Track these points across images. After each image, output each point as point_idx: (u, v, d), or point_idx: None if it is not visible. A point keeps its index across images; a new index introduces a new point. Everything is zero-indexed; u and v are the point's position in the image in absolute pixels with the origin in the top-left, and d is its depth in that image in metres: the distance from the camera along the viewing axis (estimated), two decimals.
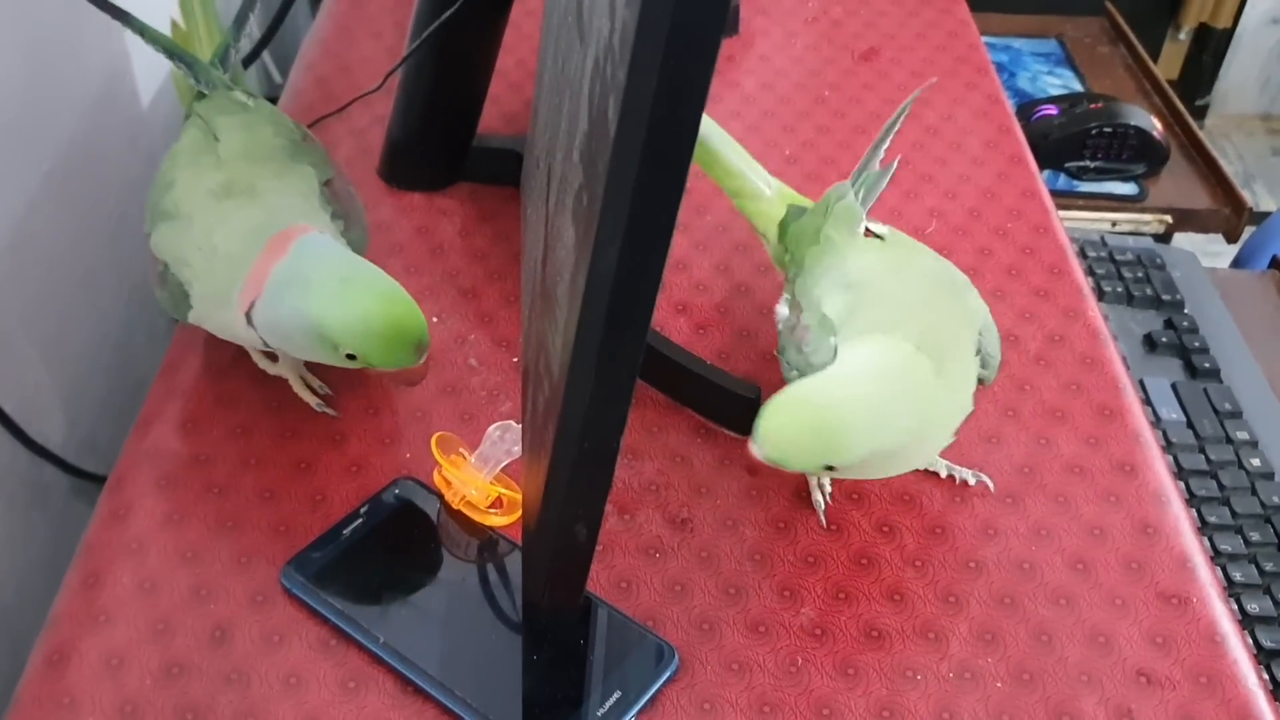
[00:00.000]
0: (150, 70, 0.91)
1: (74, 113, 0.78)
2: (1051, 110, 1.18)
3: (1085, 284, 0.73)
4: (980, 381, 0.56)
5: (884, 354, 0.52)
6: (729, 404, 0.62)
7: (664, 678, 0.51)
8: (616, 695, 0.50)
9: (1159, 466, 0.62)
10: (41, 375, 0.76)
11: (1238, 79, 2.14)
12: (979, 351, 0.55)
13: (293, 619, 0.53)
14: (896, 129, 0.62)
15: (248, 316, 0.55)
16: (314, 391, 0.62)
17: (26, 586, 0.69)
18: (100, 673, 0.51)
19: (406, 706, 0.50)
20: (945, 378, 0.52)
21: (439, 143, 0.77)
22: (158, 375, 0.65)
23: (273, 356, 0.63)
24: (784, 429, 0.49)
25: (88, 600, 0.53)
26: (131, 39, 0.88)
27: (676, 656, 0.52)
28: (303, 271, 0.53)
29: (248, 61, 0.91)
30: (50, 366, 0.77)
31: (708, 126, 0.65)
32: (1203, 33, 2.03)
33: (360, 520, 0.56)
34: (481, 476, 0.56)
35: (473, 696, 0.49)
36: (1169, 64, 2.07)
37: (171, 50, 0.65)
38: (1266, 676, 0.64)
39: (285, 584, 0.54)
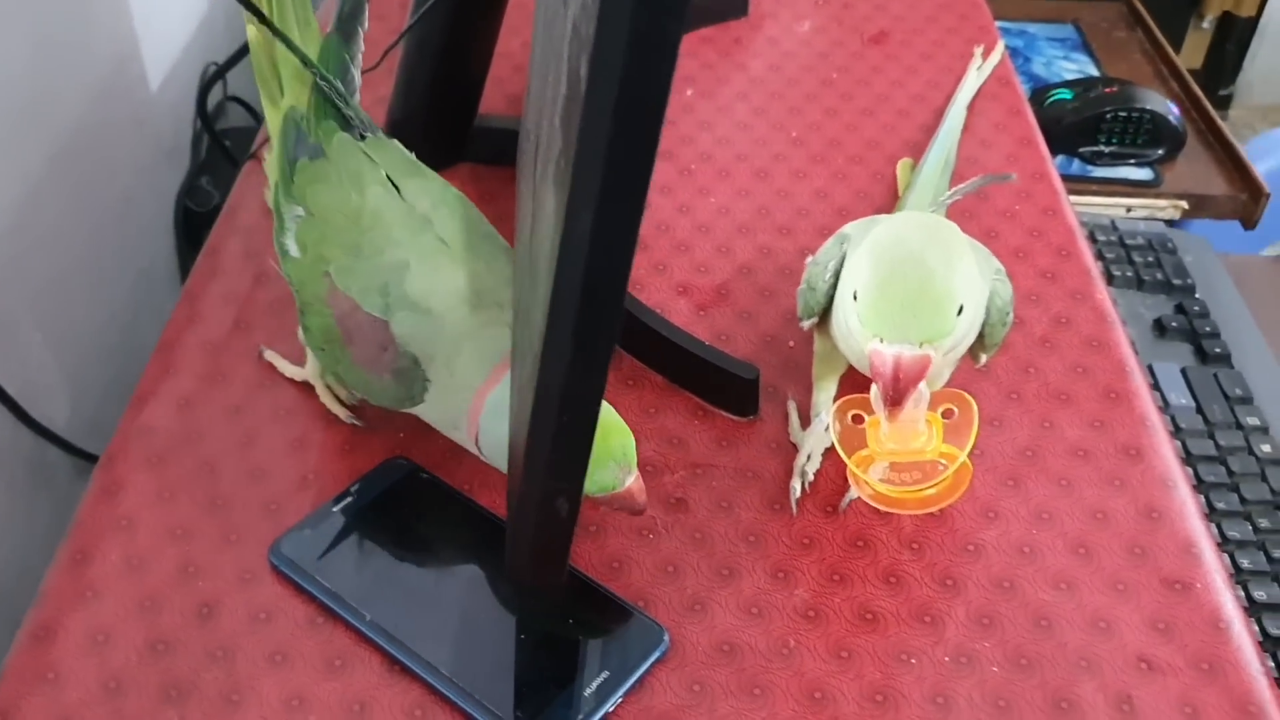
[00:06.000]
0: (159, 55, 0.91)
1: (81, 96, 0.78)
2: (1065, 94, 1.16)
3: (1093, 266, 0.71)
4: (975, 351, 0.55)
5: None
6: (727, 385, 0.61)
7: (653, 658, 0.50)
8: (605, 675, 0.49)
9: (1165, 450, 0.60)
10: (45, 357, 0.76)
11: (1264, 69, 2.11)
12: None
13: (280, 596, 0.53)
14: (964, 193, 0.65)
15: (476, 443, 0.52)
16: (341, 402, 0.60)
17: (29, 567, 0.69)
18: (86, 648, 0.50)
19: (393, 685, 0.50)
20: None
21: (440, 123, 0.76)
22: (153, 353, 0.64)
23: (301, 361, 0.62)
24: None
25: (75, 576, 0.53)
26: (140, 23, 0.88)
27: (666, 637, 0.51)
28: (508, 400, 0.51)
29: None
30: (54, 348, 0.77)
31: None
32: (1226, 21, 2.00)
33: (351, 499, 0.56)
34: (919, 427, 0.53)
35: (459, 675, 0.49)
36: (1192, 53, 2.05)
37: (316, 70, 0.57)
38: (1272, 664, 0.63)
39: (273, 562, 0.53)
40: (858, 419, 0.54)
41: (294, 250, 0.56)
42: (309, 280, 0.55)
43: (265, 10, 0.59)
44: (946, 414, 0.54)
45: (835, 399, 0.60)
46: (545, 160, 0.41)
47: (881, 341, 0.50)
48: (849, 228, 0.58)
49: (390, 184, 0.55)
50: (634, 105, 0.30)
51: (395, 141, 0.59)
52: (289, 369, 0.62)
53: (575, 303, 0.34)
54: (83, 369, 0.79)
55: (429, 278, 0.53)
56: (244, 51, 0.93)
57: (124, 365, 0.84)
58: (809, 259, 0.59)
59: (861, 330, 0.51)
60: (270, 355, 0.63)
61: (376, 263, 0.53)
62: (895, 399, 0.50)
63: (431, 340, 0.52)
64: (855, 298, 0.52)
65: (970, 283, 0.52)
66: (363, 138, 0.57)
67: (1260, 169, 1.13)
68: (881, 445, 0.53)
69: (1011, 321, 0.56)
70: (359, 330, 0.53)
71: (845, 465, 0.59)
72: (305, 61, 0.57)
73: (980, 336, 0.54)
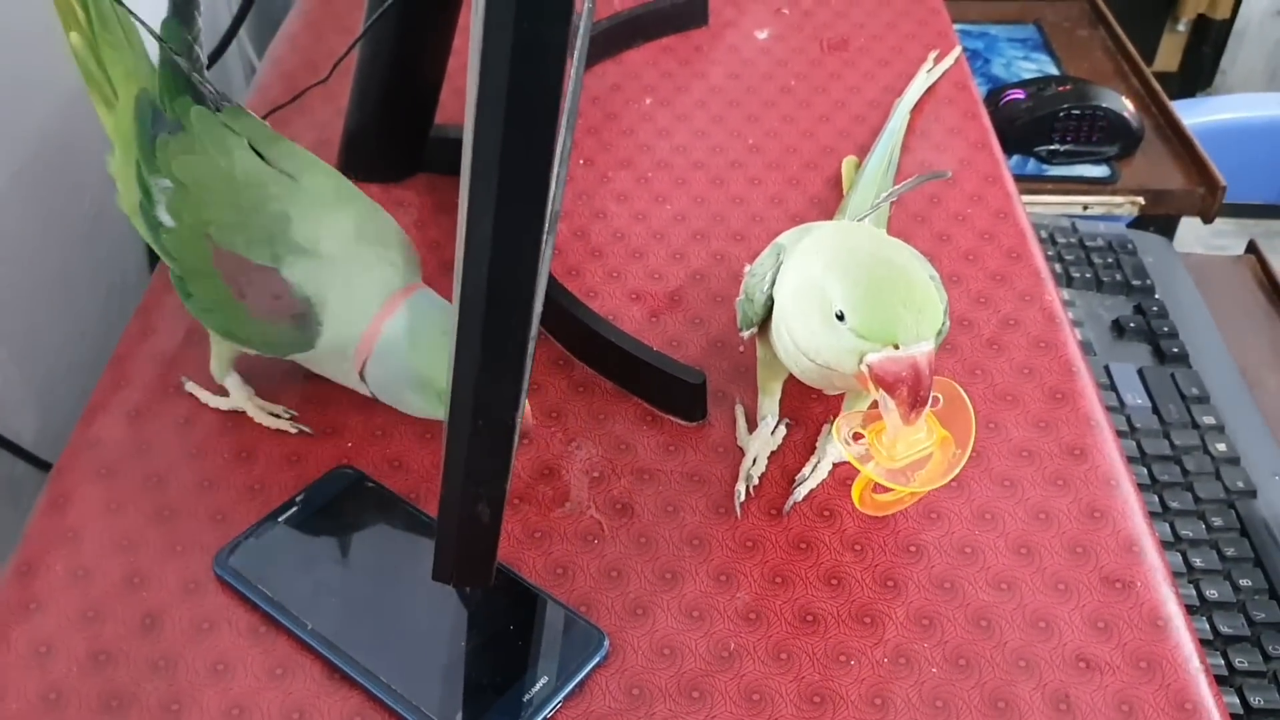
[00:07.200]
0: None
1: (45, 110, 0.78)
2: (1019, 94, 1.16)
3: (1044, 268, 0.72)
4: None
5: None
6: (674, 390, 0.62)
7: (593, 663, 0.51)
8: (544, 680, 0.50)
9: (1110, 449, 0.61)
10: (11, 371, 0.76)
11: (1244, 72, 2.12)
12: None
13: (224, 606, 0.53)
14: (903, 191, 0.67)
15: (361, 374, 0.55)
16: (277, 416, 0.61)
17: None
18: (27, 660, 0.51)
19: (333, 693, 0.50)
20: None
21: (395, 133, 0.77)
22: (107, 366, 0.65)
23: (223, 391, 0.62)
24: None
25: (20, 589, 0.53)
26: None
27: (606, 641, 0.51)
28: (410, 328, 0.54)
29: (221, 48, 0.91)
30: (21, 363, 0.77)
31: None
32: (1201, 24, 2.01)
33: (296, 508, 0.56)
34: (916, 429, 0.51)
35: (398, 681, 0.49)
36: (1168, 56, 2.05)
37: (165, 44, 0.57)
38: (1223, 661, 0.63)
39: (217, 571, 0.54)
40: (857, 436, 0.53)
41: (168, 221, 0.56)
42: (189, 246, 0.56)
43: (81, 12, 0.59)
44: (931, 402, 0.53)
45: (782, 406, 0.61)
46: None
47: (896, 349, 0.49)
48: (783, 238, 0.59)
49: (254, 151, 0.57)
50: (523, 111, 0.30)
51: (250, 112, 0.60)
52: (214, 400, 0.62)
53: (481, 309, 0.35)
54: (52, 383, 0.79)
55: (312, 225, 0.55)
56: (212, 60, 0.93)
57: (95, 380, 0.84)
58: (747, 269, 0.59)
59: (861, 344, 0.50)
60: (191, 387, 0.62)
61: (258, 217, 0.55)
62: (922, 400, 0.49)
63: (323, 281, 0.54)
64: (841, 318, 0.50)
65: None
66: (219, 110, 0.58)
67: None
68: (893, 452, 0.51)
69: (947, 328, 0.56)
70: (250, 284, 0.55)
71: (786, 466, 0.60)
72: (154, 34, 0.57)
73: None
